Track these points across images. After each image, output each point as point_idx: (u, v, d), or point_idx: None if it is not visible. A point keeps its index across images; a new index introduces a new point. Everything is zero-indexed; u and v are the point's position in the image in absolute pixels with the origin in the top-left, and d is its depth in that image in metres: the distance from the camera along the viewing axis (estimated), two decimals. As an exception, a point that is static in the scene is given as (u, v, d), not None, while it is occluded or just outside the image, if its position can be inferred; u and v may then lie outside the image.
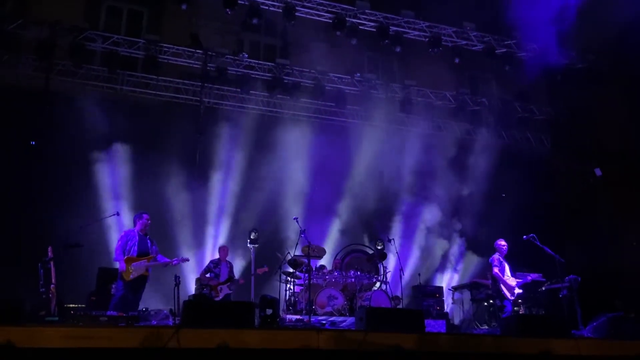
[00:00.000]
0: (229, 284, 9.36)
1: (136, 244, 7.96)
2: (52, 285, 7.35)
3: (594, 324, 7.60)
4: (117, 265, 8.07)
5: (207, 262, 9.98)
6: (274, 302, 7.56)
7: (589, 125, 13.99)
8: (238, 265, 10.96)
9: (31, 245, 8.80)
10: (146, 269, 7.93)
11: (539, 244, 8.71)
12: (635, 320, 7.75)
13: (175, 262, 8.29)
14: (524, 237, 8.85)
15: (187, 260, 8.75)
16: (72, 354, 4.82)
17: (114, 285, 8.15)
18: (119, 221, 9.90)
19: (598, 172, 13.11)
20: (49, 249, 7.55)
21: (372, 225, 12.50)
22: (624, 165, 13.08)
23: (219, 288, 9.25)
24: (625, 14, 11.62)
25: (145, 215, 8.27)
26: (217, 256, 9.78)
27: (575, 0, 11.63)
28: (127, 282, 7.76)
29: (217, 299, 9.08)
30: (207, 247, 11.10)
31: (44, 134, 10.44)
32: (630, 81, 13.00)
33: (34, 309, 6.91)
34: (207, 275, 9.42)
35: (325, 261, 10.87)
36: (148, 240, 8.17)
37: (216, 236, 11.27)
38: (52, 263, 7.45)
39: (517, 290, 8.73)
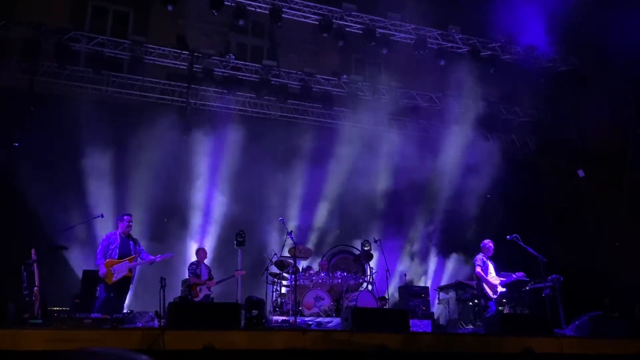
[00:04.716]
0: (207, 284, 9.35)
1: (117, 246, 7.88)
2: (35, 288, 7.28)
3: (577, 322, 7.73)
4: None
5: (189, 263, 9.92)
6: (260, 304, 7.57)
7: (572, 126, 14.22)
8: (223, 267, 10.95)
9: (15, 247, 8.71)
10: (129, 269, 7.86)
11: (522, 244, 8.81)
12: (617, 319, 7.90)
13: (159, 258, 8.17)
14: (508, 237, 8.96)
15: (172, 255, 8.59)
16: (55, 357, 4.79)
17: (98, 288, 8.09)
18: (103, 223, 9.82)
19: (581, 173, 13.30)
20: (32, 251, 7.48)
21: (359, 226, 12.55)
22: (608, 165, 13.31)
23: (198, 289, 9.23)
24: (607, 17, 11.83)
25: (126, 217, 8.20)
26: (195, 258, 9.74)
27: (559, 4, 11.82)
28: (111, 285, 7.71)
29: (196, 299, 9.06)
30: (192, 248, 11.04)
31: (28, 135, 10.33)
32: (613, 83, 13.24)
33: (17, 311, 6.84)
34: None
35: (312, 262, 10.90)
36: (131, 242, 8.09)
37: (202, 237, 11.24)
38: (35, 265, 7.38)
39: (500, 289, 8.82)
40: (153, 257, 8.11)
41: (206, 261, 9.87)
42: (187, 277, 9.55)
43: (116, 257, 7.83)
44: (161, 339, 5.10)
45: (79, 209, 10.22)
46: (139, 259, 8.01)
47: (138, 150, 10.93)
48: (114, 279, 7.70)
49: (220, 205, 11.56)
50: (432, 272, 13.00)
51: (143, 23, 13.00)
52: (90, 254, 9.75)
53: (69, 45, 11.17)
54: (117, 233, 8.08)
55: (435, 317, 10.90)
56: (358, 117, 13.15)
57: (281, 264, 9.57)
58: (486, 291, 8.76)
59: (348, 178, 12.50)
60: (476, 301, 9.97)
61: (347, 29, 12.20)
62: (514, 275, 9.05)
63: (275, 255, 9.86)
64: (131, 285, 8.12)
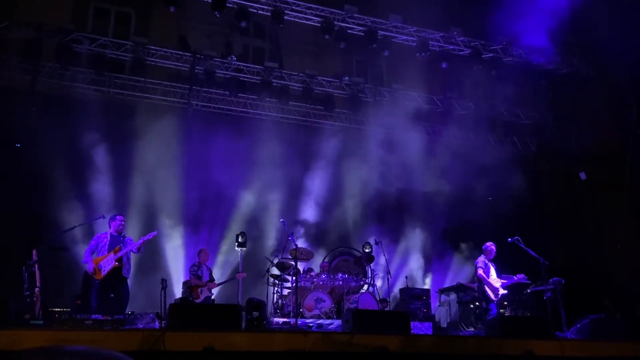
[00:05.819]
0: (208, 286, 9.34)
1: (107, 244, 7.84)
2: (36, 289, 7.29)
3: (578, 325, 7.71)
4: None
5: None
6: (260, 305, 7.57)
7: (573, 127, 14.21)
8: (225, 269, 10.97)
9: (16, 248, 8.71)
10: (116, 260, 7.73)
11: (523, 246, 8.79)
12: (618, 321, 7.88)
13: (142, 240, 7.95)
14: (509, 239, 8.94)
15: (155, 234, 8.35)
16: (56, 358, 4.79)
17: (91, 296, 7.92)
18: (104, 224, 9.82)
19: (583, 175, 13.28)
20: (34, 252, 7.48)
21: (360, 227, 12.55)
22: (608, 165, 13.28)
23: (199, 290, 9.23)
24: (608, 18, 11.83)
25: (119, 217, 8.18)
26: (198, 259, 9.74)
27: (560, 6, 11.82)
28: (101, 283, 7.66)
29: (197, 301, 9.06)
30: (193, 250, 11.05)
31: (30, 136, 10.35)
32: (613, 84, 13.22)
33: (18, 312, 6.85)
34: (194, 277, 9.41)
35: (313, 264, 10.90)
36: (121, 238, 8.03)
37: (202, 239, 11.24)
38: (36, 266, 7.38)
39: (502, 291, 8.81)
40: (136, 243, 7.96)
41: (210, 262, 9.88)
42: (188, 278, 9.56)
43: (105, 254, 7.80)
44: (162, 340, 5.11)
45: (80, 210, 10.23)
46: (123, 249, 7.92)
47: (139, 152, 10.95)
48: (102, 274, 7.64)
49: (221, 205, 11.56)
50: (433, 274, 12.98)
51: (145, 24, 13.00)
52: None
53: (71, 46, 11.18)
54: (108, 233, 8.04)
55: (436, 319, 10.88)
56: (359, 119, 13.15)
57: (282, 266, 9.57)
58: (488, 294, 8.75)
59: (349, 179, 12.51)
60: (477, 303, 9.96)
61: (348, 30, 12.19)
62: (515, 278, 9.04)
63: (276, 257, 9.87)
64: (124, 279, 8.01)
